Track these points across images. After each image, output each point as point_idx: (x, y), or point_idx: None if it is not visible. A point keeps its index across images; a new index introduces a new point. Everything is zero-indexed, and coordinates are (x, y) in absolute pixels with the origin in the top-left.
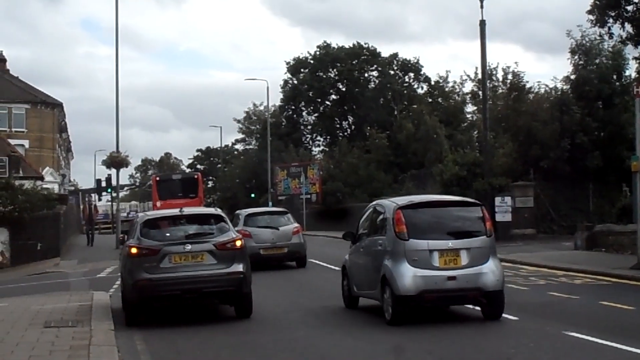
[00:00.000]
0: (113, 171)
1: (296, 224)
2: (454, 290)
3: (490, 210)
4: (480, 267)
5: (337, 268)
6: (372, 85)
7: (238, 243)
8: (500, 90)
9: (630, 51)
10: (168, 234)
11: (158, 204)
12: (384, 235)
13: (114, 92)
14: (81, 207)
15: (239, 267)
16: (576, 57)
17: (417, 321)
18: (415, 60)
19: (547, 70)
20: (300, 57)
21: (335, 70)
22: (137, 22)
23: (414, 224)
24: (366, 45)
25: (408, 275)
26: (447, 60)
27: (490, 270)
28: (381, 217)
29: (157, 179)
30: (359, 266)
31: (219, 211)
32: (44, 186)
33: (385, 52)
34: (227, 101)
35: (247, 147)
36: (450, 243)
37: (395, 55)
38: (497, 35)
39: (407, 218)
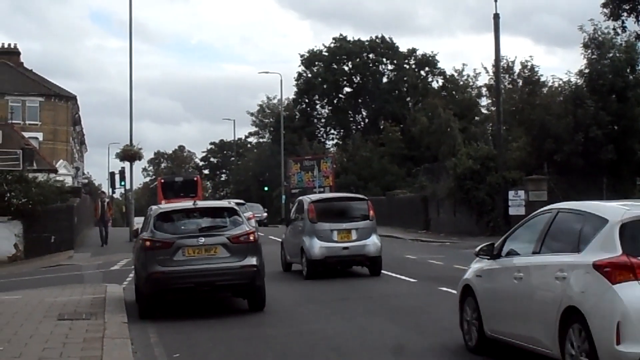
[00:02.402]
0: (127, 164)
1: (250, 213)
2: (347, 256)
3: (503, 204)
4: (365, 241)
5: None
6: (386, 78)
7: (252, 236)
8: (519, 84)
9: None
10: (182, 227)
11: (163, 202)
12: (302, 220)
13: (124, 84)
14: (105, 201)
15: (253, 260)
16: (589, 51)
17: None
18: (432, 55)
19: (557, 64)
20: (315, 50)
21: (350, 63)
22: (147, 14)
23: (321, 212)
24: (389, 39)
25: (316, 247)
26: (457, 53)
27: (372, 243)
28: (301, 208)
29: (162, 180)
30: (289, 242)
31: (232, 204)
32: (57, 179)
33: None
34: (238, 94)
35: (261, 140)
36: (345, 225)
37: (413, 51)
38: (507, 28)
39: (316, 209)
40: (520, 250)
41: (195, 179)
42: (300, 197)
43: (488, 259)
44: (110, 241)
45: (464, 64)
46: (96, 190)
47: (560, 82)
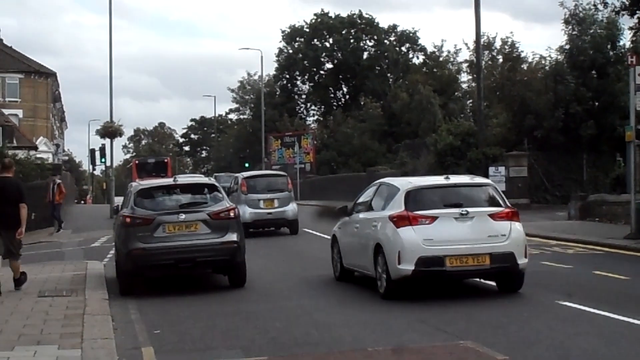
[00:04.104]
0: (107, 141)
1: None
2: (271, 219)
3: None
4: (285, 208)
5: None
6: (367, 54)
7: (232, 213)
8: (499, 58)
9: (625, 21)
10: (162, 204)
11: (137, 181)
12: (237, 192)
13: (102, 61)
14: (56, 183)
15: (233, 237)
16: (570, 27)
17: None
18: (414, 32)
19: (535, 39)
20: (296, 26)
21: (331, 39)
22: None
23: (251, 186)
24: (367, 15)
25: (247, 212)
26: (435, 29)
27: (290, 209)
28: (237, 182)
29: (137, 162)
30: None
31: (212, 181)
32: (38, 156)
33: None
34: (216, 71)
35: (241, 116)
36: (269, 195)
37: (394, 27)
38: (485, 3)
39: (247, 183)
40: (360, 209)
41: (165, 160)
42: (236, 175)
43: (344, 216)
44: (91, 218)
45: (443, 40)
46: (77, 167)
47: (539, 58)
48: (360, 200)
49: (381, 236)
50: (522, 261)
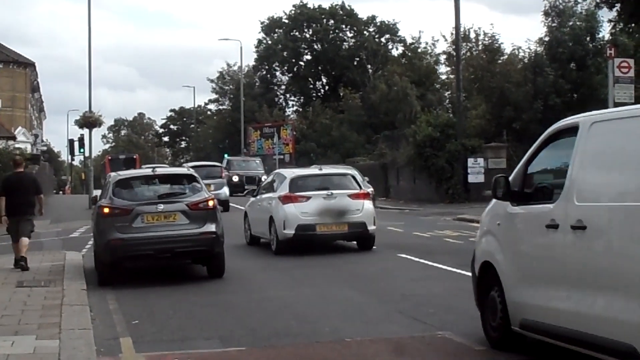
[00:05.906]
0: (86, 131)
1: None
2: None
3: (463, 171)
4: (218, 191)
5: None
6: (346, 45)
7: (210, 203)
8: (475, 52)
9: (604, 13)
10: (140, 194)
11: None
12: None
13: (79, 51)
14: None
15: (212, 227)
16: (550, 19)
17: None
18: (394, 23)
19: (512, 31)
20: (275, 17)
21: (310, 30)
22: None
23: None
24: (348, 7)
25: None
26: (412, 19)
27: (223, 192)
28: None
29: (109, 158)
30: None
31: (191, 171)
32: (16, 146)
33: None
34: (194, 61)
35: (221, 107)
36: (207, 181)
37: (373, 18)
38: None
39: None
40: (262, 192)
41: (135, 157)
42: (183, 165)
43: (252, 197)
44: (70, 208)
45: (420, 31)
46: (55, 157)
47: (517, 49)
48: (263, 185)
49: (273, 210)
50: (371, 227)
